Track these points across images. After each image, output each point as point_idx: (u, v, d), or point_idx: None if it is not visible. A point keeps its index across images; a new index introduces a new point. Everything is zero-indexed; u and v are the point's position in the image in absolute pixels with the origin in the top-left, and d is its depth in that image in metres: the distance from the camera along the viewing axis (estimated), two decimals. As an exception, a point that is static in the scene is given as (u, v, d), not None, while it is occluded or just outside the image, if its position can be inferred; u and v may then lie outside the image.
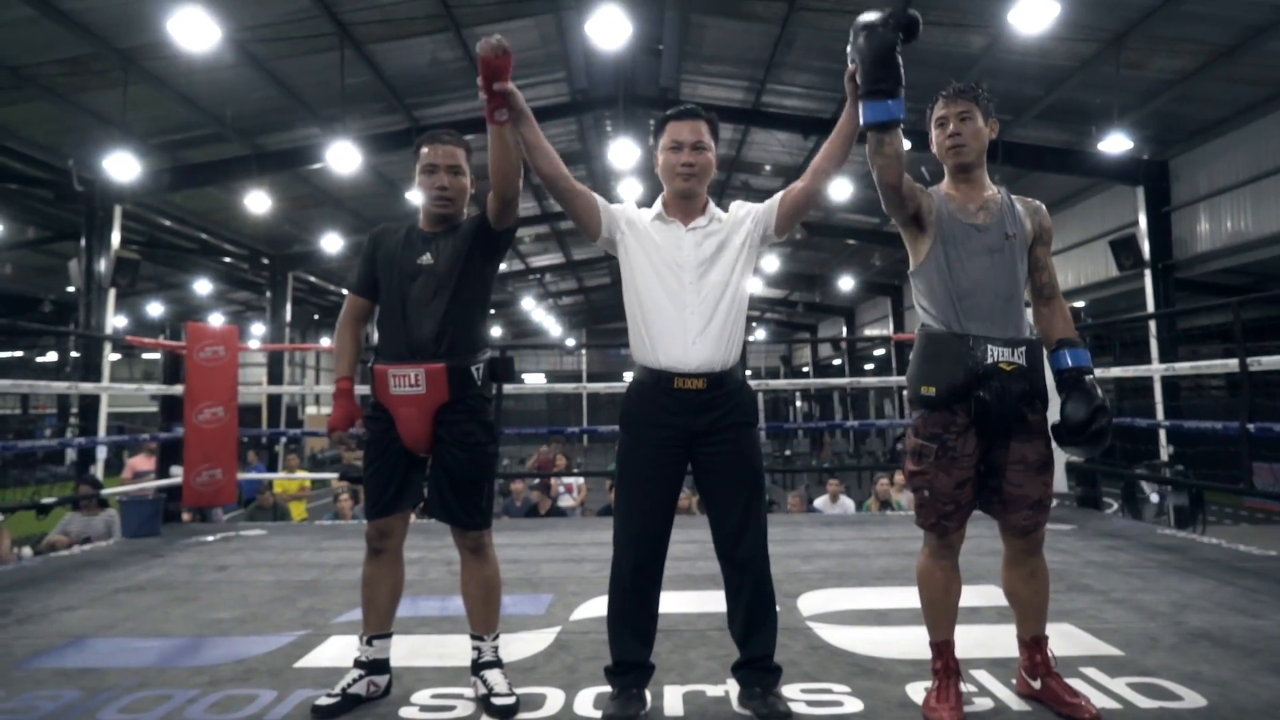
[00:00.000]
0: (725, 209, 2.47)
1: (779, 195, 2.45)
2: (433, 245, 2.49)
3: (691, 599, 3.47)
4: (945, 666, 2.25)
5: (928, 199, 2.34)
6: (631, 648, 2.30)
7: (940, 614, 2.29)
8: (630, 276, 2.39)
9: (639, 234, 2.39)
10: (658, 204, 2.44)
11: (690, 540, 4.89)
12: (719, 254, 2.35)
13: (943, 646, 2.27)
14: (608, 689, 2.33)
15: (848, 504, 8.28)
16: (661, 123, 2.44)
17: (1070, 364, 2.26)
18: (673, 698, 2.36)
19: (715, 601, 3.41)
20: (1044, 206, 2.42)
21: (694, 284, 2.31)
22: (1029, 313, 2.36)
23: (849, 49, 2.24)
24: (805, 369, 34.54)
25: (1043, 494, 2.25)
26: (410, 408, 2.42)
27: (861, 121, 2.27)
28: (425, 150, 2.51)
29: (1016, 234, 2.28)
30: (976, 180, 2.36)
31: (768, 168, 15.91)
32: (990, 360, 2.18)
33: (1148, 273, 12.00)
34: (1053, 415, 2.26)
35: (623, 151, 12.62)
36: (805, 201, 2.46)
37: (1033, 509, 2.25)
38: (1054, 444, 2.26)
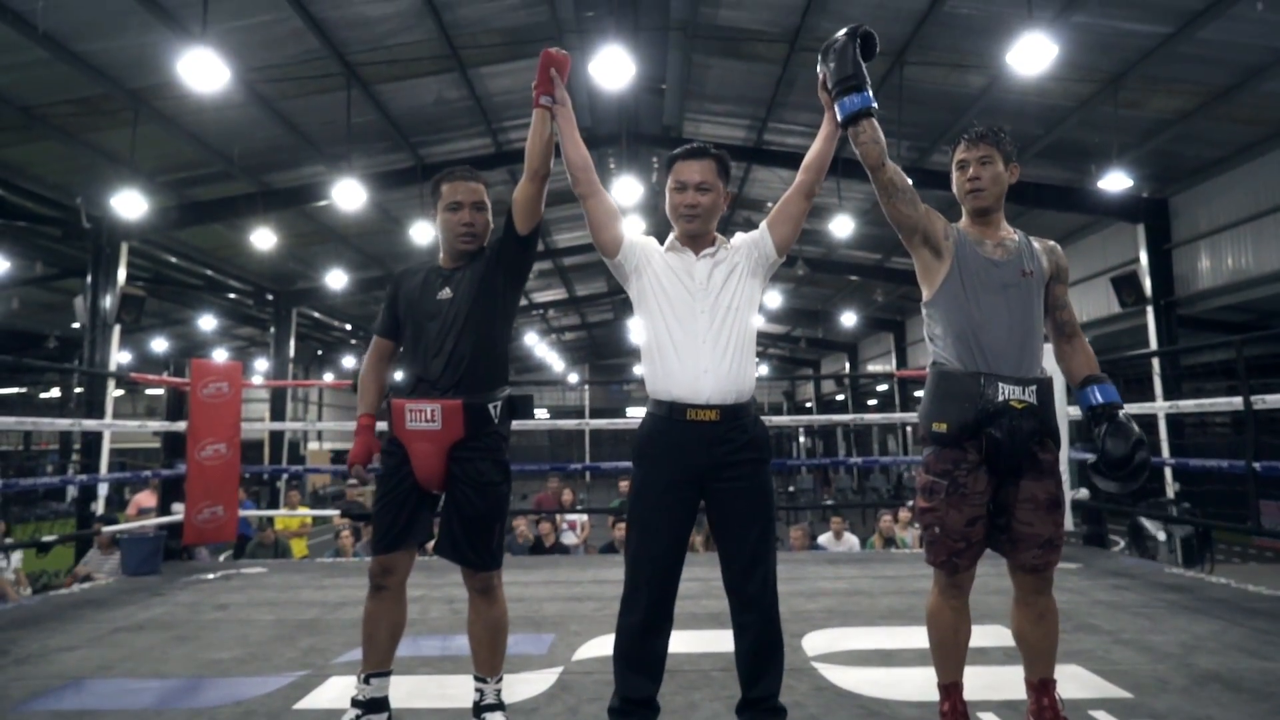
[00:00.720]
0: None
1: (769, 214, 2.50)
2: (452, 280, 2.51)
3: (696, 639, 3.43)
4: (953, 709, 2.22)
5: (942, 222, 2.36)
6: (638, 684, 2.26)
7: (948, 655, 2.27)
8: (643, 306, 2.40)
9: (652, 262, 2.41)
10: (670, 237, 2.48)
11: (694, 579, 4.85)
12: (728, 282, 2.36)
13: (950, 689, 2.24)
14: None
15: (852, 541, 8.21)
16: (669, 162, 2.46)
17: (1100, 400, 2.27)
18: (677, 741, 2.32)
19: (719, 641, 3.38)
20: (1059, 247, 2.45)
21: (706, 313, 2.31)
22: (1048, 349, 2.37)
23: (819, 68, 2.44)
24: (808, 405, 34.48)
25: (1053, 533, 2.24)
26: (425, 443, 2.42)
27: (838, 118, 2.42)
28: (446, 187, 2.53)
29: (1034, 271, 2.31)
30: (994, 222, 2.39)
31: (770, 205, 15.97)
32: (1001, 398, 2.18)
33: (1150, 309, 12.02)
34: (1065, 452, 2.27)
35: (626, 189, 12.73)
36: (795, 197, 2.46)
37: (1043, 548, 2.23)
38: (1064, 483, 2.32)
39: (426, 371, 2.45)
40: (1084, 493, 5.82)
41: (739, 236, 2.47)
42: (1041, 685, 2.27)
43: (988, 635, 3.41)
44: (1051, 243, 2.44)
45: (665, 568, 2.28)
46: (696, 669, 3.00)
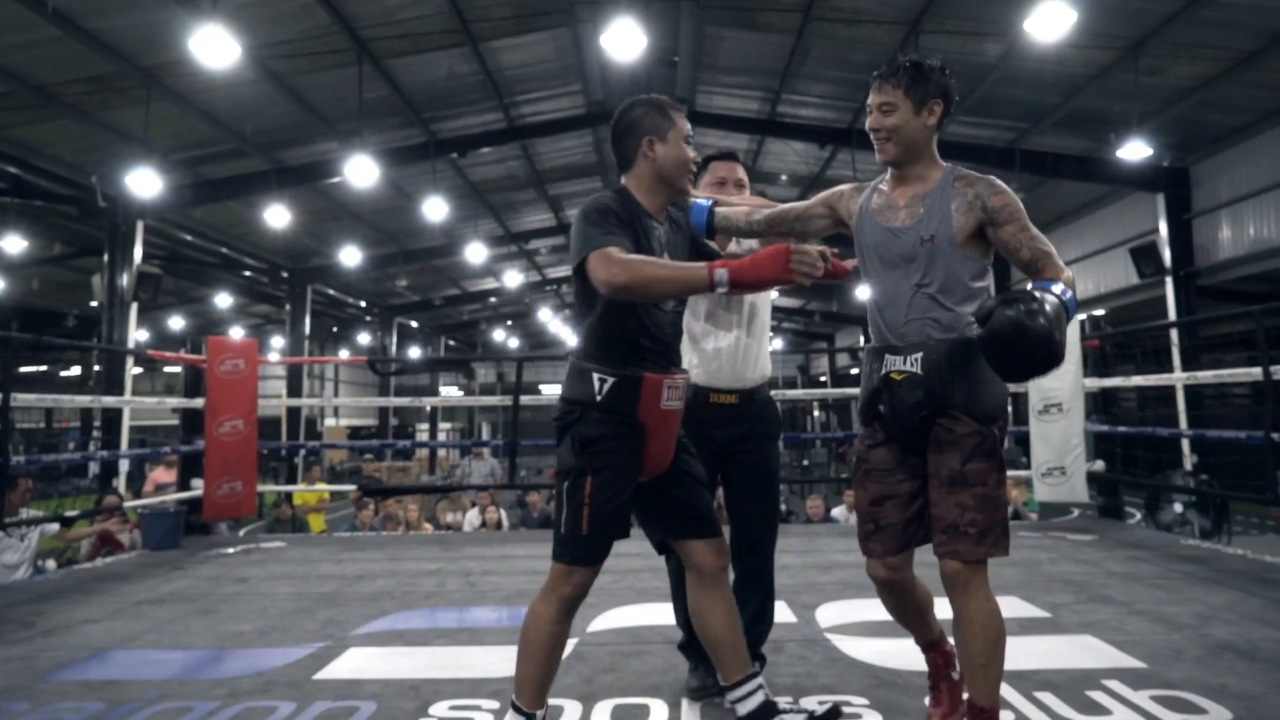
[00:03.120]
0: None
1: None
2: (665, 241, 2.18)
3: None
4: (935, 661, 2.20)
5: (845, 200, 2.25)
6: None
7: (910, 624, 2.22)
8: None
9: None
10: None
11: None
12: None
13: (930, 645, 2.22)
14: (626, 700, 2.33)
15: (866, 514, 8.21)
16: (705, 162, 2.55)
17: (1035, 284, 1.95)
18: (690, 710, 2.35)
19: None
20: (996, 181, 2.07)
21: (728, 307, 2.51)
22: (964, 311, 2.03)
23: None
24: (823, 378, 34.40)
25: (956, 516, 1.96)
26: (673, 424, 2.12)
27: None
28: (680, 119, 2.27)
29: (936, 235, 2.01)
30: (910, 175, 2.10)
31: (784, 178, 15.91)
32: (884, 371, 2.06)
33: (1169, 280, 11.90)
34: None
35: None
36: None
37: (945, 533, 1.97)
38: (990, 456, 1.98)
39: (664, 338, 2.13)
40: (1099, 464, 5.79)
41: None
42: (973, 708, 1.98)
43: (1002, 606, 3.37)
44: (985, 182, 2.06)
45: None
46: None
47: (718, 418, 2.48)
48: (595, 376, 2.02)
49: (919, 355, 2.01)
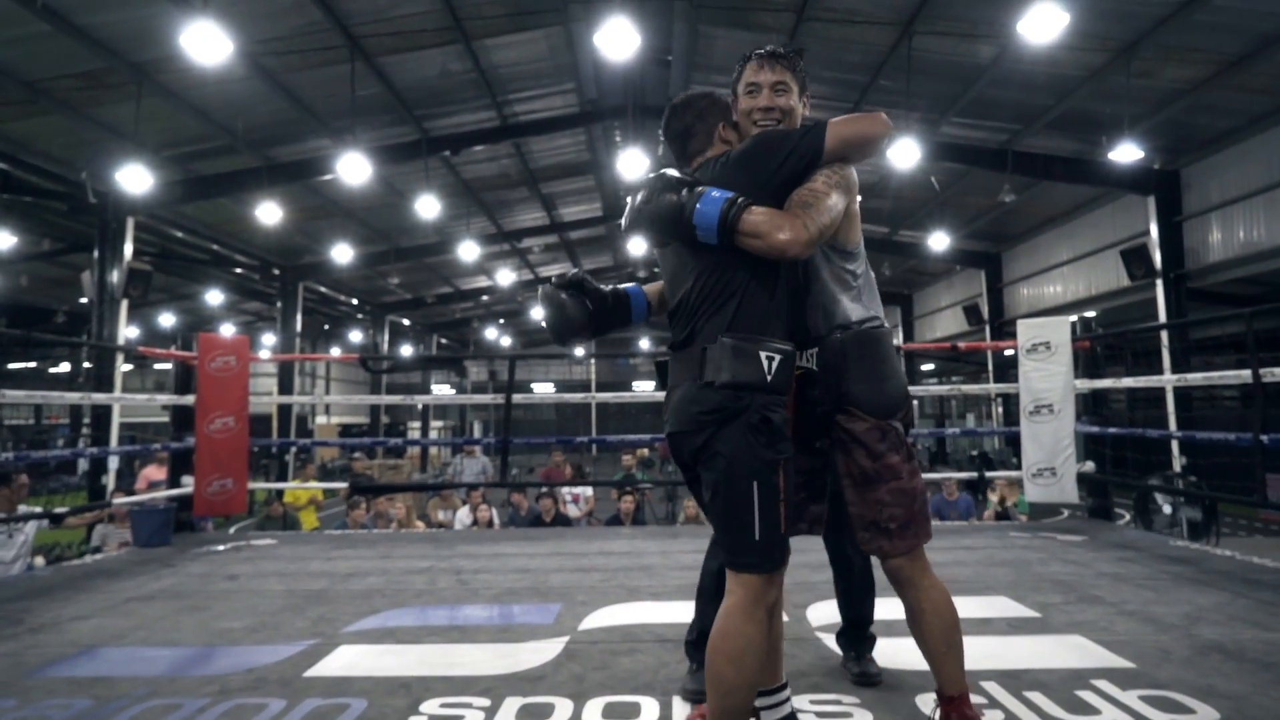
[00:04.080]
0: None
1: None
2: None
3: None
4: None
5: None
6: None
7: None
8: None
9: None
10: None
11: (699, 550, 4.88)
12: None
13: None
14: (617, 698, 2.33)
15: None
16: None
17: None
18: (681, 707, 2.35)
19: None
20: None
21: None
22: (846, 303, 2.03)
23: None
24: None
25: (876, 514, 1.96)
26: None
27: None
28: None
29: None
30: None
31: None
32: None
33: (1159, 282, 11.96)
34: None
35: (632, 161, 12.65)
36: None
37: (867, 530, 2.00)
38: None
39: (792, 308, 2.02)
40: (1089, 465, 5.82)
41: None
42: (943, 699, 2.00)
43: (991, 606, 3.43)
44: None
45: None
46: (701, 639, 3.02)
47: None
48: (764, 355, 1.83)
49: (815, 350, 2.01)
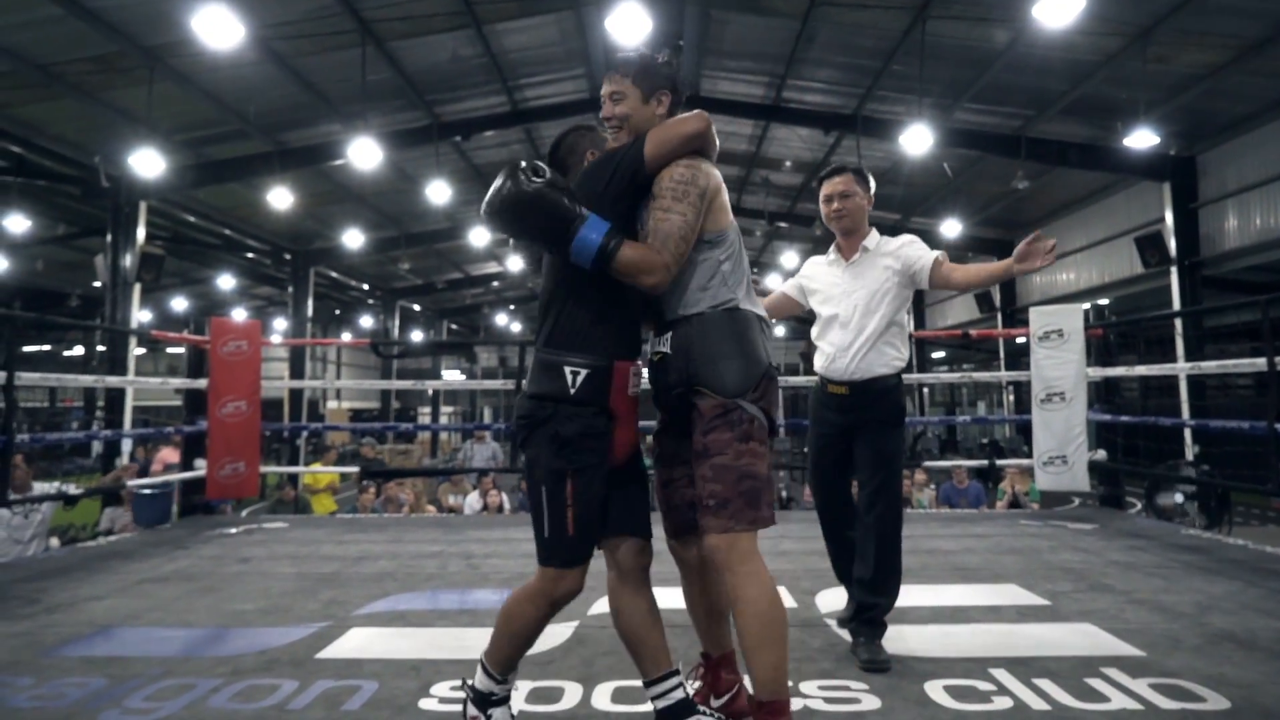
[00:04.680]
0: (873, 237, 2.95)
1: (932, 262, 2.84)
2: None
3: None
4: (700, 692, 2.20)
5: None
6: (840, 566, 2.96)
7: (694, 620, 2.27)
8: (815, 308, 3.02)
9: (814, 279, 3.03)
10: (833, 246, 3.02)
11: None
12: (874, 281, 2.86)
13: (703, 660, 2.26)
14: (625, 683, 2.35)
15: (867, 501, 8.24)
16: (818, 183, 2.98)
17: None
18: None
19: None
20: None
21: (846, 310, 2.87)
22: (703, 288, 2.03)
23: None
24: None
25: (701, 490, 1.95)
26: (636, 412, 2.10)
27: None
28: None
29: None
30: None
31: (788, 163, 15.84)
32: (651, 355, 2.14)
33: (1173, 270, 11.85)
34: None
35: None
36: (944, 287, 2.91)
37: (690, 507, 2.07)
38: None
39: (634, 322, 2.12)
40: (1101, 453, 5.79)
41: (885, 241, 2.94)
42: (752, 704, 1.95)
43: (1001, 594, 3.43)
44: None
45: (822, 487, 3.04)
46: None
47: (835, 405, 2.87)
48: (568, 370, 1.96)
49: (669, 335, 2.06)
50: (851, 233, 2.93)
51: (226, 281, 22.58)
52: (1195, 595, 3.38)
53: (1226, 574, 3.76)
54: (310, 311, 19.47)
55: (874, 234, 2.95)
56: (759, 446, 1.96)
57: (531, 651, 2.70)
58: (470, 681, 2.11)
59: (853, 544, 2.86)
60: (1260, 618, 3.03)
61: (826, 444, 2.93)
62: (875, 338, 2.81)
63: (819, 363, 2.94)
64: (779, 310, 3.15)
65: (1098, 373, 5.75)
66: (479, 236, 17.98)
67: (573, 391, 1.96)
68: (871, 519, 2.75)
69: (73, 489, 5.80)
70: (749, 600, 1.88)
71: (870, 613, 2.69)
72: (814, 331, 3.00)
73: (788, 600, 3.36)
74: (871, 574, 2.73)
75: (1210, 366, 5.73)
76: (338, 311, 29.37)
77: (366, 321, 29.79)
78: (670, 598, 2.33)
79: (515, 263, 24.08)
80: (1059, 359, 5.60)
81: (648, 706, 1.97)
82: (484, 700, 2.07)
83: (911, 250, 2.87)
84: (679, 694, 2.01)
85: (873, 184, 3.00)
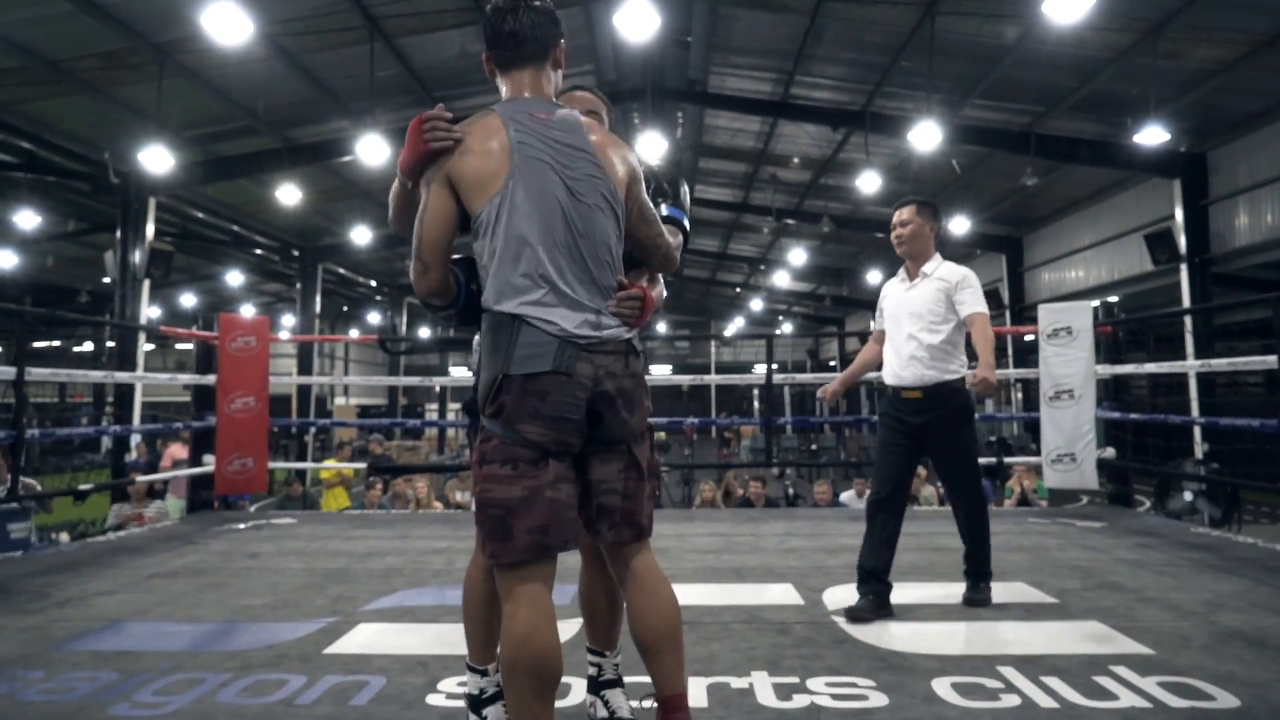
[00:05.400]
0: (929, 264, 3.35)
1: (969, 315, 3.23)
2: None
3: (715, 592, 3.46)
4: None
5: None
6: (871, 559, 3.17)
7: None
8: (885, 324, 3.45)
9: (887, 298, 3.47)
10: (902, 267, 3.44)
11: (714, 534, 4.90)
12: (923, 300, 3.28)
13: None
14: (630, 679, 2.34)
15: (874, 499, 8.23)
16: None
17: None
18: (696, 689, 2.35)
19: (739, 595, 3.42)
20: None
21: (910, 325, 3.28)
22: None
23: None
24: (832, 363, 34.33)
25: None
26: None
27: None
28: None
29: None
30: None
31: (796, 160, 15.80)
32: None
33: (1184, 267, 11.78)
34: None
35: (650, 144, 12.59)
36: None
37: None
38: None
39: None
40: (1110, 451, 5.77)
41: (948, 269, 3.33)
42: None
43: (1009, 592, 3.42)
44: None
45: (885, 479, 3.33)
46: (717, 621, 3.03)
47: (905, 407, 3.27)
48: None
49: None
50: (913, 257, 3.35)
51: (235, 278, 22.64)
52: (1204, 593, 3.36)
53: (1236, 572, 3.75)
54: (318, 308, 19.52)
55: (935, 259, 3.35)
56: (499, 469, 1.74)
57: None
58: (466, 689, 2.12)
59: (891, 535, 3.24)
60: (1270, 616, 3.02)
61: (895, 446, 3.30)
62: (933, 348, 3.22)
63: (889, 371, 3.35)
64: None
65: (1107, 370, 5.73)
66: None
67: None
68: (960, 501, 3.33)
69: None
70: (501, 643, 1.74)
71: (979, 568, 3.30)
72: (885, 343, 3.44)
73: (794, 598, 3.36)
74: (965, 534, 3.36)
75: (1220, 364, 5.71)
76: (346, 308, 29.43)
77: (374, 318, 29.84)
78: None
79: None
80: (1068, 356, 5.58)
81: (650, 703, 1.96)
82: (476, 702, 2.08)
83: (963, 293, 3.25)
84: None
85: (938, 214, 3.44)
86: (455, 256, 1.96)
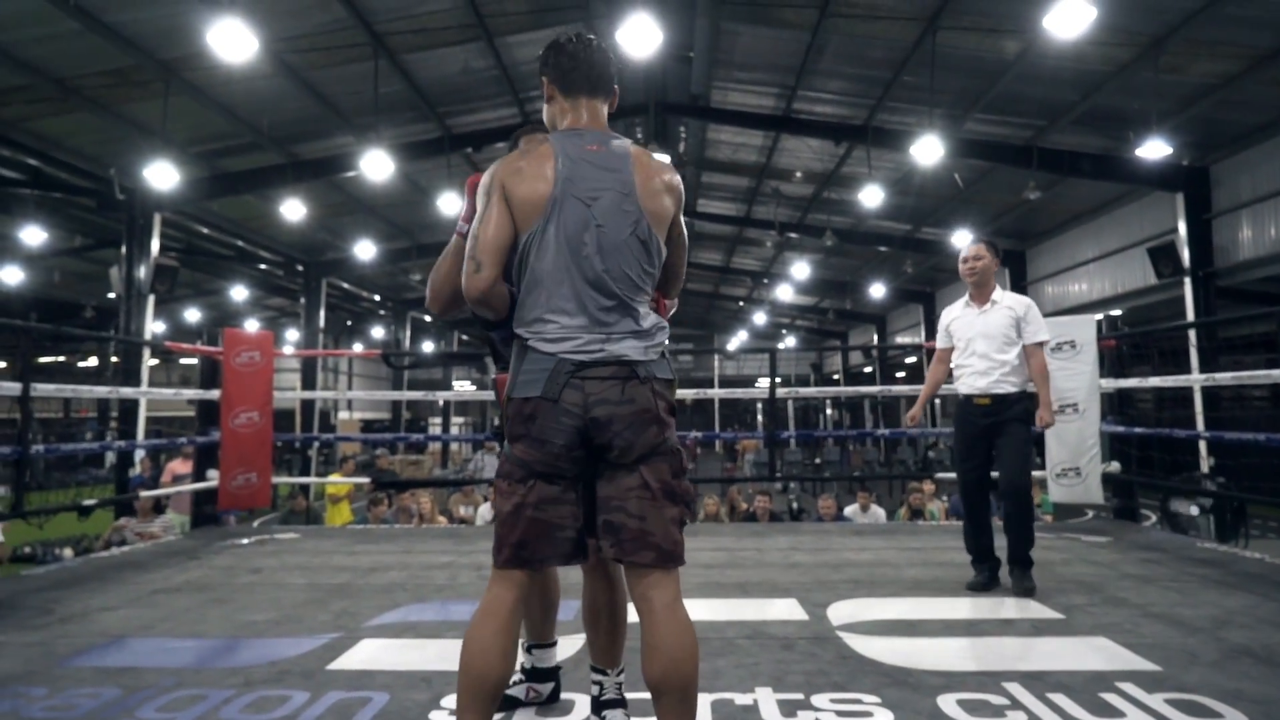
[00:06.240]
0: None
1: (1035, 339, 3.86)
2: None
3: (719, 607, 3.45)
4: None
5: None
6: (974, 542, 3.85)
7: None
8: (956, 344, 4.02)
9: (956, 320, 4.03)
10: (967, 295, 4.03)
11: (718, 548, 4.88)
12: (995, 325, 3.87)
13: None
14: (633, 695, 2.34)
15: (879, 513, 8.20)
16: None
17: None
18: (700, 705, 2.34)
19: (743, 610, 3.40)
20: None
21: (982, 345, 3.87)
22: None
23: None
24: (836, 376, 34.30)
25: None
26: None
27: None
28: None
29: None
30: None
31: (799, 174, 15.84)
32: None
33: (1187, 281, 11.78)
34: None
35: (653, 159, 12.63)
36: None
37: None
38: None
39: None
40: (1115, 465, 5.75)
41: (1013, 298, 3.94)
42: None
43: (1014, 607, 3.41)
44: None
45: (968, 468, 3.96)
46: (721, 637, 3.02)
47: (978, 413, 3.86)
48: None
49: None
50: (981, 286, 3.93)
51: (239, 293, 22.72)
52: (1211, 609, 3.34)
53: (1243, 587, 3.72)
54: (322, 323, 19.57)
55: (998, 289, 3.96)
56: (500, 483, 1.89)
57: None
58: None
59: (986, 524, 3.84)
60: (1278, 632, 3.00)
61: (972, 444, 3.88)
62: (1004, 364, 3.81)
63: (964, 384, 3.91)
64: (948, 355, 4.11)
65: (1111, 384, 5.71)
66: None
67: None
68: (1011, 490, 3.78)
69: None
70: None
71: (1024, 555, 3.72)
72: (955, 360, 4.00)
73: (799, 613, 3.35)
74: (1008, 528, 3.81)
75: (1225, 378, 5.69)
76: (349, 323, 29.49)
77: (378, 332, 29.89)
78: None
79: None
80: (1072, 370, 5.56)
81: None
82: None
83: (1031, 323, 3.85)
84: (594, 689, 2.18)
85: (999, 251, 4.06)
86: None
